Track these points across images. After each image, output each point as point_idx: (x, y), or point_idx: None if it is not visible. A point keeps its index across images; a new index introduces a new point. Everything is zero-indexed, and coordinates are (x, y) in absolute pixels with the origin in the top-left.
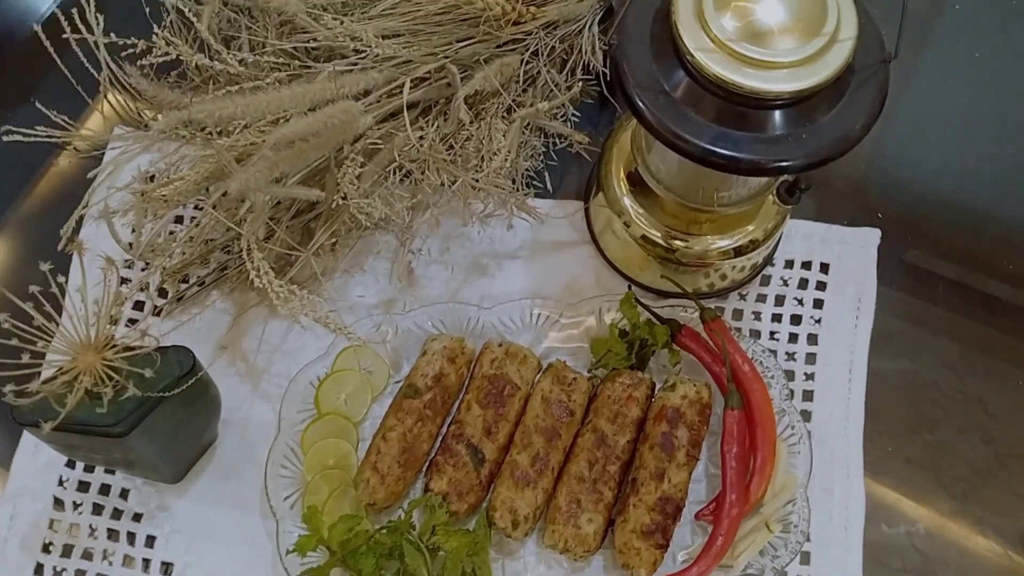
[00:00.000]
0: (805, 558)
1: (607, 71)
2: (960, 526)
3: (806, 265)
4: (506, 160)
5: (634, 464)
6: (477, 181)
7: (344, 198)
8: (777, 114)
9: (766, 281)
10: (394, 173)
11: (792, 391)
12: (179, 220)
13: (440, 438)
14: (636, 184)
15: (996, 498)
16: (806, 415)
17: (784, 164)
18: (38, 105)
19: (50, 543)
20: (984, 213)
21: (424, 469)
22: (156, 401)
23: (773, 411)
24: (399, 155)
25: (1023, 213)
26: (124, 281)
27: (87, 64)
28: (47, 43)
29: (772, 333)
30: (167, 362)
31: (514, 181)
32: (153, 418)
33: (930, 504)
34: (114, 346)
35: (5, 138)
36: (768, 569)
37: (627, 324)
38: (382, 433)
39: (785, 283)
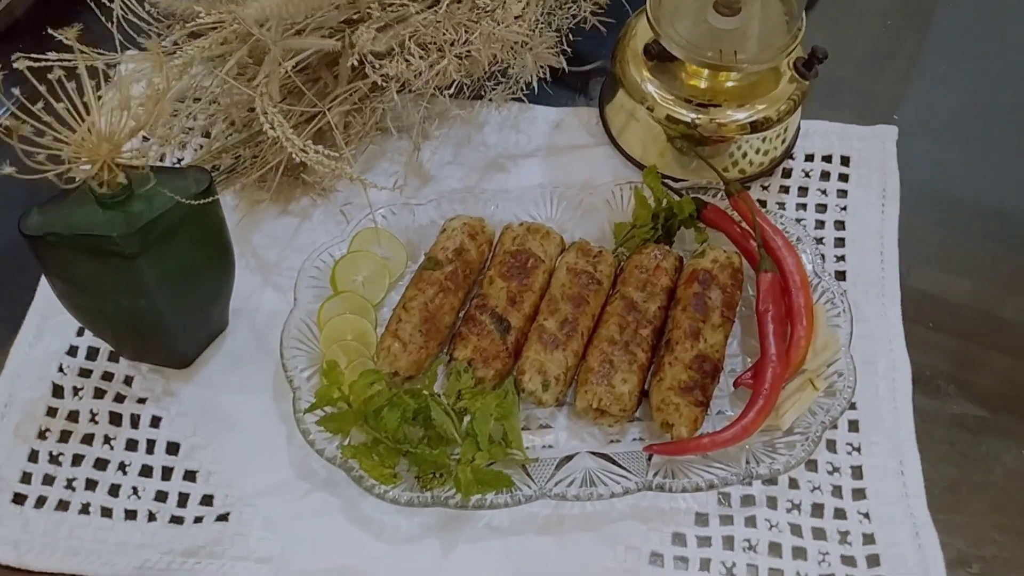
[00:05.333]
0: (854, 426)
1: None
2: None
3: (827, 159)
4: (524, 11)
5: (667, 328)
6: (498, 26)
7: (360, 62)
8: None
9: (787, 174)
10: (410, 39)
11: (824, 257)
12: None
13: (463, 314)
14: (654, 58)
15: None
16: None
17: None
18: (49, 31)
19: (47, 429)
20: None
21: (448, 344)
22: (169, 223)
23: (807, 276)
24: (417, 21)
25: None
26: None
27: None
28: None
29: (799, 220)
30: (184, 178)
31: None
32: (166, 246)
33: None
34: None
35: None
36: (816, 425)
37: (652, 199)
38: (403, 304)
39: (807, 175)
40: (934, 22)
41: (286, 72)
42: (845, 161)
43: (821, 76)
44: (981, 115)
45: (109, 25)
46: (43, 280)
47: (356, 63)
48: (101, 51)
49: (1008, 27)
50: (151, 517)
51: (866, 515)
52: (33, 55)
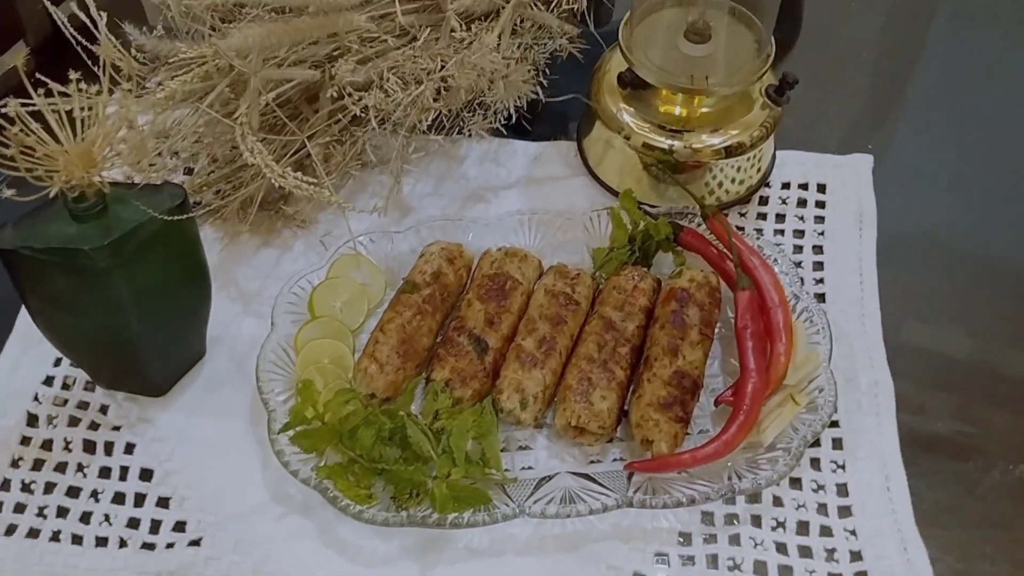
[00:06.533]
0: (838, 444)
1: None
2: None
3: (803, 186)
4: (499, 41)
5: (646, 345)
6: (473, 55)
7: (340, 94)
8: None
9: (764, 201)
10: (389, 71)
11: (803, 280)
12: None
13: (440, 337)
14: (628, 86)
15: None
16: None
17: None
18: (39, 75)
19: (19, 458)
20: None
21: (425, 367)
22: (143, 238)
23: (785, 294)
24: (395, 53)
25: None
26: None
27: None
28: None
29: (777, 245)
30: (159, 194)
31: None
32: (140, 261)
33: None
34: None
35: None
36: (798, 440)
37: (629, 222)
38: (380, 326)
39: (784, 202)
40: (916, 60)
41: (267, 103)
42: (821, 188)
43: (798, 110)
44: (956, 148)
45: (96, 70)
46: (22, 311)
47: (336, 95)
48: (88, 95)
49: (986, 65)
50: (122, 544)
51: (853, 532)
52: (23, 100)
